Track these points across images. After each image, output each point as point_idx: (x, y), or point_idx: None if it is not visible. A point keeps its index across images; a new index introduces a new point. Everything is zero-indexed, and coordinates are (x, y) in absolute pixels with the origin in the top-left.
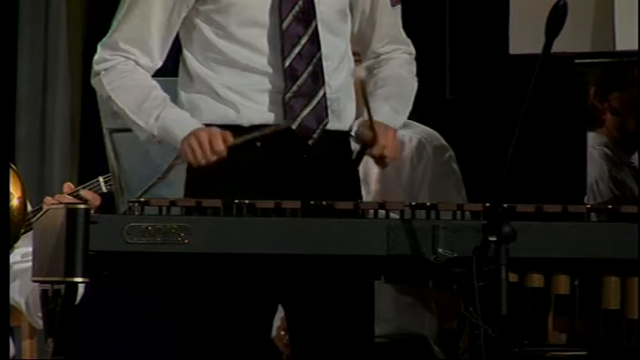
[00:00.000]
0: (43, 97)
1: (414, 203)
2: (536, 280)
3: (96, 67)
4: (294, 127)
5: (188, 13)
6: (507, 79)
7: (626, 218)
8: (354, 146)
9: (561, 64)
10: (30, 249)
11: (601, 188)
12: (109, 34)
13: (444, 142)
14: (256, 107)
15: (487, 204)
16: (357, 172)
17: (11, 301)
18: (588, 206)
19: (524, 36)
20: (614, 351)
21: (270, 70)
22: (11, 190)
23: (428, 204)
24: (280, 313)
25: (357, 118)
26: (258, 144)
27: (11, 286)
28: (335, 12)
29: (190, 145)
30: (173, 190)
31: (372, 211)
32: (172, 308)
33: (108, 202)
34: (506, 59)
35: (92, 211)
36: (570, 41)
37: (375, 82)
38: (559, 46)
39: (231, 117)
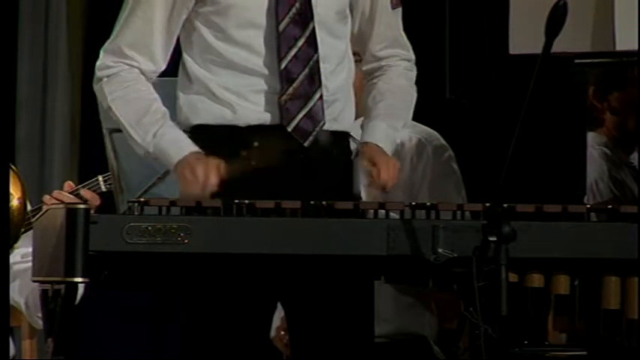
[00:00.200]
0: (43, 97)
1: (414, 203)
2: (536, 280)
3: (98, 74)
4: (289, 129)
5: (188, 15)
6: (507, 79)
7: (626, 218)
8: (354, 146)
9: (561, 64)
10: (30, 249)
11: (601, 188)
12: (111, 38)
13: (443, 141)
14: (253, 108)
15: (487, 204)
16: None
17: (11, 302)
18: (588, 206)
19: (524, 36)
20: (614, 351)
21: (266, 71)
22: (11, 190)
23: (428, 204)
24: (280, 313)
25: (357, 118)
26: (256, 144)
27: (11, 286)
28: (334, 13)
29: (184, 176)
30: (173, 190)
31: (372, 211)
32: (172, 308)
33: (108, 202)
34: (506, 59)
35: (92, 211)
36: (570, 41)
37: (374, 97)
38: (559, 46)
39: (227, 117)
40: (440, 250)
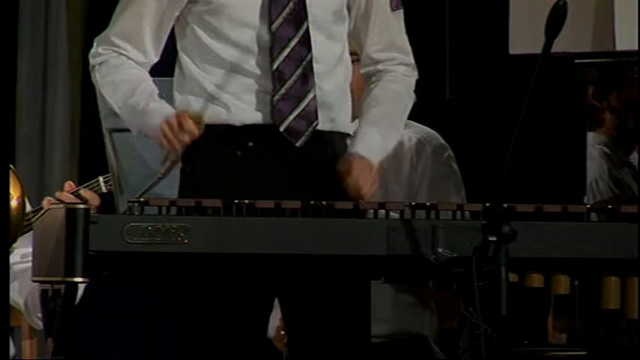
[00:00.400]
0: (43, 97)
1: (414, 203)
2: (536, 280)
3: (91, 61)
4: (281, 129)
5: (181, 12)
6: (507, 79)
7: (626, 218)
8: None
9: (561, 64)
10: (30, 249)
11: (601, 187)
12: (105, 30)
13: (443, 141)
14: (246, 107)
15: (487, 204)
16: None
17: (11, 302)
18: (588, 206)
19: (524, 36)
20: (614, 351)
21: (259, 71)
22: (10, 190)
23: (428, 204)
24: (280, 314)
25: (354, 118)
26: (251, 144)
27: (11, 286)
28: (329, 14)
29: (162, 130)
30: (173, 190)
31: (372, 211)
32: (172, 308)
33: (108, 202)
34: (506, 59)
35: (92, 211)
36: (570, 41)
37: (368, 104)
38: (559, 46)
39: (222, 117)
40: (440, 250)
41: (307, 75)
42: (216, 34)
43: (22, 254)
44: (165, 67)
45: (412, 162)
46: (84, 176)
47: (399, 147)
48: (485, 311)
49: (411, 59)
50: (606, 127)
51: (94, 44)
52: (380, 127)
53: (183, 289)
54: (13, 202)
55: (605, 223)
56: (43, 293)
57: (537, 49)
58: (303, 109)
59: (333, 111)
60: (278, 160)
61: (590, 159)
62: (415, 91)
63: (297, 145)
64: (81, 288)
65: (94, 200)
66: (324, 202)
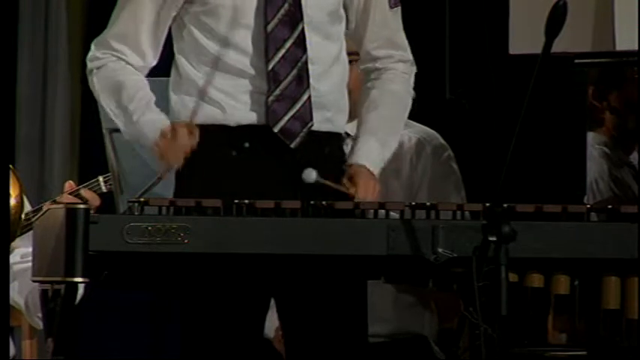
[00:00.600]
0: (43, 97)
1: (414, 203)
2: (536, 280)
3: (89, 65)
4: (275, 129)
5: (178, 12)
6: (507, 79)
7: (626, 218)
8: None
9: (561, 64)
10: (30, 249)
11: (601, 187)
12: (103, 32)
13: (443, 141)
14: (241, 108)
15: (487, 204)
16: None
17: (11, 302)
18: (588, 206)
19: (524, 36)
20: (614, 351)
21: (254, 72)
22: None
23: (428, 204)
24: None
25: (351, 118)
26: (247, 144)
27: (11, 286)
28: (325, 14)
29: (158, 146)
30: (173, 191)
31: (372, 211)
32: (172, 308)
33: (108, 202)
34: (506, 59)
35: (92, 211)
36: (570, 41)
37: (367, 107)
38: (559, 46)
39: (217, 117)
40: (440, 250)
41: (302, 76)
42: (212, 34)
43: (22, 254)
44: (161, 67)
45: (412, 162)
46: (84, 176)
47: (399, 147)
48: (486, 311)
49: (410, 55)
50: (606, 127)
51: (92, 47)
52: (379, 135)
53: (183, 289)
54: (12, 201)
55: (605, 223)
56: (43, 293)
57: (537, 49)
58: (297, 110)
59: (330, 112)
60: (274, 160)
61: (590, 159)
62: (415, 91)
63: (292, 146)
64: (81, 288)
65: (94, 200)
66: (324, 202)
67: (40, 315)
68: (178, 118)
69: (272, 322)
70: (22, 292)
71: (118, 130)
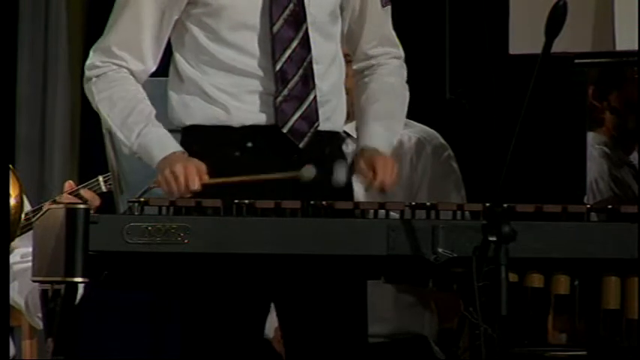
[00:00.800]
0: (43, 97)
1: (414, 203)
2: (536, 280)
3: (87, 73)
4: (285, 130)
5: (179, 15)
6: (507, 79)
7: (626, 218)
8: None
9: (561, 64)
10: (30, 249)
11: (601, 187)
12: (101, 38)
13: (443, 141)
14: (246, 108)
15: (487, 204)
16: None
17: (11, 302)
18: (588, 206)
19: (524, 36)
20: (614, 351)
21: (260, 73)
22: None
23: (428, 204)
24: None
25: (348, 118)
26: (249, 144)
27: (11, 286)
28: (326, 14)
29: (165, 177)
30: None
31: (372, 211)
32: (172, 308)
33: (108, 202)
34: (506, 59)
35: (92, 211)
36: (570, 41)
37: (367, 98)
38: (559, 46)
39: (221, 118)
40: (440, 250)
41: (308, 76)
42: (215, 36)
43: (22, 254)
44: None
45: (412, 162)
46: (84, 176)
47: (398, 147)
48: (486, 311)
49: (402, 52)
50: (606, 127)
51: (91, 55)
52: (384, 122)
53: (183, 289)
54: (12, 201)
55: (605, 223)
56: (43, 293)
57: (537, 49)
58: (304, 110)
59: (330, 111)
60: (277, 160)
61: (590, 159)
62: (415, 91)
63: (301, 146)
64: (80, 288)
65: (94, 200)
66: (324, 202)
67: (40, 315)
68: (180, 119)
69: (272, 322)
70: (22, 292)
71: None
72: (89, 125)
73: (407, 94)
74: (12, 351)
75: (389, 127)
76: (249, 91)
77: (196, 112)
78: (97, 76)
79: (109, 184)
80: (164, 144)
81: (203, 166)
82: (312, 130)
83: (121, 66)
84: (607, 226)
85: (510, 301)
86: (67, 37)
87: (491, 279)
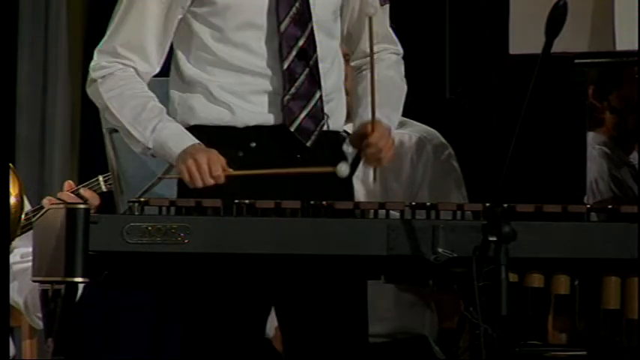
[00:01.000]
0: (43, 97)
1: (414, 203)
2: (536, 280)
3: (92, 74)
4: (292, 129)
5: (183, 15)
6: (507, 79)
7: (626, 218)
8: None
9: (561, 64)
10: (30, 249)
11: (601, 187)
12: (105, 39)
13: (443, 140)
14: (252, 108)
15: (487, 204)
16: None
17: (11, 302)
18: (588, 206)
19: (524, 36)
20: (614, 351)
21: (269, 72)
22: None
23: (428, 204)
24: None
25: (347, 117)
26: (253, 144)
27: (11, 286)
28: (330, 13)
29: (188, 167)
30: (173, 190)
31: (372, 211)
32: (173, 308)
33: (108, 202)
34: (506, 59)
35: (92, 211)
36: (570, 41)
37: (365, 88)
38: (559, 46)
39: (225, 118)
40: (440, 250)
41: (314, 74)
42: (221, 35)
43: (22, 254)
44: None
45: (412, 161)
46: (84, 176)
47: (399, 146)
48: (486, 311)
49: (400, 48)
50: (606, 127)
51: (95, 56)
52: (382, 110)
53: (184, 289)
54: (12, 200)
55: (605, 223)
56: (43, 293)
57: (537, 49)
58: (311, 109)
59: (332, 109)
60: (280, 160)
61: (590, 159)
62: (415, 91)
63: (308, 144)
64: (80, 287)
65: (94, 200)
66: (324, 202)
67: (39, 315)
68: (183, 119)
69: (272, 322)
70: (22, 291)
71: (118, 130)
72: (89, 125)
73: (405, 87)
74: (12, 351)
75: (387, 115)
76: (254, 90)
77: (199, 112)
78: (104, 77)
79: (109, 184)
80: (181, 137)
81: (223, 158)
82: (318, 128)
83: (127, 65)
84: (607, 226)
85: (510, 301)
86: (67, 37)
87: (491, 279)
